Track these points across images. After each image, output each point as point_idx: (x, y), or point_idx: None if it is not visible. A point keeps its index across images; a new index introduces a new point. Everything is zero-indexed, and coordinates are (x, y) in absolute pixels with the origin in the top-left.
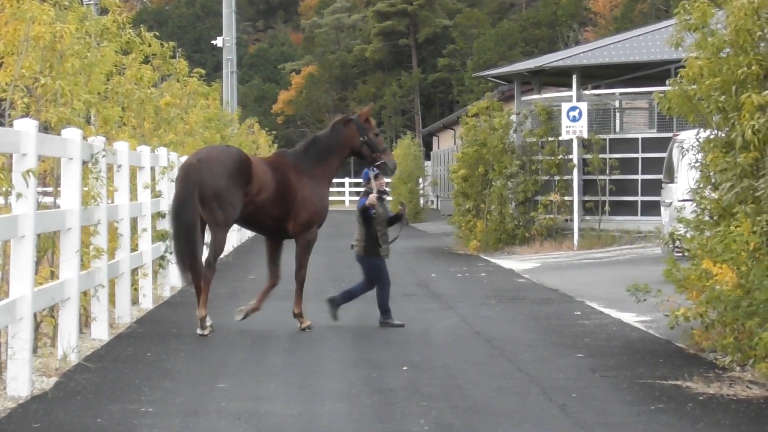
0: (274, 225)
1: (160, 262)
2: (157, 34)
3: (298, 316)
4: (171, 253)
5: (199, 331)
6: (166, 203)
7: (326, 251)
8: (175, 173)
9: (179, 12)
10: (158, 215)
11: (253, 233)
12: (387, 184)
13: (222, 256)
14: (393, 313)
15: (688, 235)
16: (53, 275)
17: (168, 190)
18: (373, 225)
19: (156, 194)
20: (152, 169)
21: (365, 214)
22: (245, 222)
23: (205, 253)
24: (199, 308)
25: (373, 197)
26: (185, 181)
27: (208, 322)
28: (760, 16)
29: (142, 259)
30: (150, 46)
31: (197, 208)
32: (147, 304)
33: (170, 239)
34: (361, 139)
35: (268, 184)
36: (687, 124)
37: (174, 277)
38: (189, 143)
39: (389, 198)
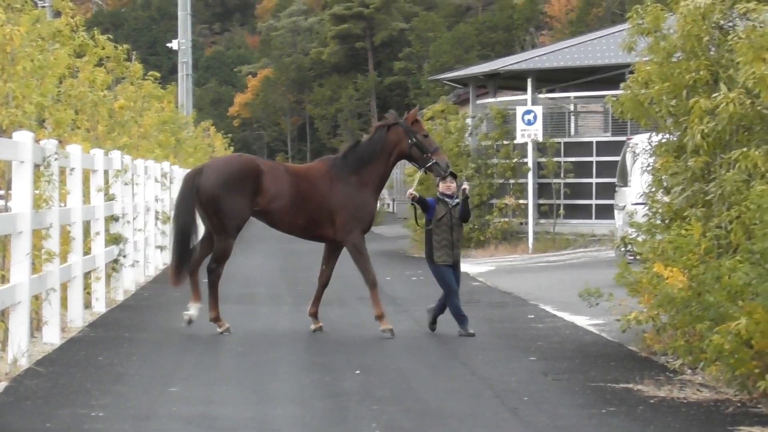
0: (303, 233)
1: (113, 266)
2: (111, 36)
3: (380, 317)
4: (124, 256)
5: (218, 330)
6: (119, 206)
7: (282, 254)
8: (128, 176)
9: (135, 15)
10: (111, 218)
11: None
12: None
13: None
14: (347, 315)
15: (640, 239)
16: (3, 279)
17: (121, 194)
18: (430, 228)
19: (109, 197)
20: (106, 172)
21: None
22: (277, 228)
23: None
24: (209, 310)
25: (410, 192)
26: (184, 186)
27: (225, 324)
28: (706, 22)
29: (95, 263)
30: (104, 48)
31: (193, 213)
32: (100, 307)
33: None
34: (410, 141)
35: (282, 193)
36: (640, 127)
37: (128, 281)
38: (143, 146)
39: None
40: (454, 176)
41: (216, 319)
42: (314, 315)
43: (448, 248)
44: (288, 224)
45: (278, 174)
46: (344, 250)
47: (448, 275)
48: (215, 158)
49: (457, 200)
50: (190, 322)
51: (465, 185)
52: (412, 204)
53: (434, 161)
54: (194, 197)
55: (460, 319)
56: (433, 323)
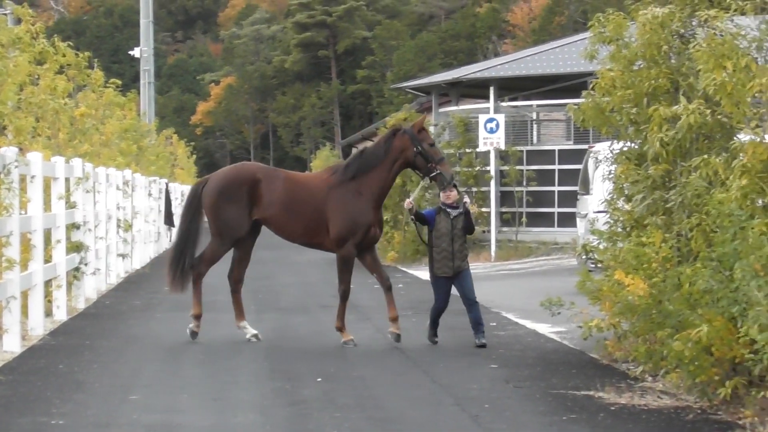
0: (303, 240)
1: (74, 274)
2: (71, 44)
3: (339, 329)
4: (86, 264)
5: (189, 325)
6: (80, 214)
7: None
8: (90, 184)
9: (97, 22)
10: (73, 226)
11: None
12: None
13: (138, 267)
14: (309, 322)
15: (601, 247)
16: None
17: (83, 201)
18: (431, 239)
19: (71, 205)
20: (67, 180)
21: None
22: (281, 236)
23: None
24: (192, 306)
25: (408, 202)
26: (189, 195)
27: (198, 328)
28: (665, 31)
29: (56, 271)
30: (64, 56)
31: (196, 221)
32: (61, 315)
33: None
34: (415, 149)
35: (276, 200)
36: (602, 135)
37: (89, 289)
38: (105, 154)
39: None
40: (455, 186)
41: (196, 317)
42: (341, 329)
43: (448, 260)
44: (287, 232)
45: (275, 182)
46: (371, 250)
47: (441, 288)
48: (227, 166)
49: (459, 210)
50: (257, 338)
51: (465, 199)
52: (413, 221)
53: (438, 171)
54: (198, 206)
55: (432, 324)
56: (477, 340)
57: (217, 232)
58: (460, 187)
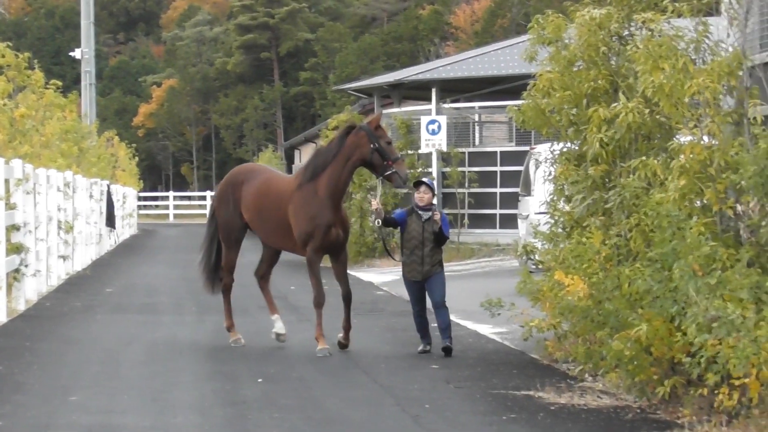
0: (285, 246)
1: (14, 275)
2: (11, 45)
3: (316, 338)
4: (26, 266)
5: (230, 340)
6: (21, 216)
7: (184, 264)
8: (30, 185)
9: (38, 23)
10: (13, 228)
11: (114, 246)
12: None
13: (79, 269)
14: (249, 324)
15: (542, 247)
16: None
17: (23, 203)
18: (402, 241)
19: (10, 207)
20: (7, 181)
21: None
22: (267, 242)
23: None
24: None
25: (375, 202)
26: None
27: (238, 334)
28: (603, 32)
29: None
30: (4, 56)
31: (212, 221)
32: (0, 317)
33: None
34: (372, 146)
35: (251, 205)
36: (543, 137)
37: (29, 291)
38: (45, 155)
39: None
40: (429, 187)
41: (229, 328)
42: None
43: (418, 264)
44: (264, 235)
45: (253, 184)
46: (338, 257)
47: (413, 291)
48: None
49: (429, 213)
50: (278, 337)
51: (436, 214)
52: (379, 227)
53: (394, 170)
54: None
55: (421, 333)
56: (443, 343)
57: (221, 236)
58: (402, 189)
